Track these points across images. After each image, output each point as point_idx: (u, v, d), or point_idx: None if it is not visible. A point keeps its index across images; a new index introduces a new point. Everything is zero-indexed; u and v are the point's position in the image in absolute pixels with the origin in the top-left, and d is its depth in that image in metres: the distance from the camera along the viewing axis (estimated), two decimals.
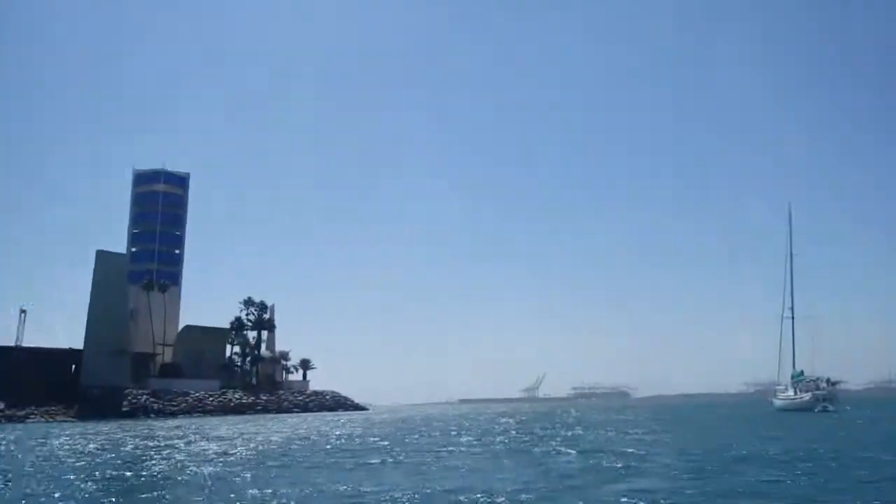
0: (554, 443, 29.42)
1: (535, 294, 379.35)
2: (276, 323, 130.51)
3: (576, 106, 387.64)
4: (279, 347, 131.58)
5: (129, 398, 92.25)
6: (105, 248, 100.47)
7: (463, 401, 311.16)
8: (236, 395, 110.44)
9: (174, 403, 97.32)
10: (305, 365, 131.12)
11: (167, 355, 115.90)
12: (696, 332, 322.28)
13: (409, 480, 17.90)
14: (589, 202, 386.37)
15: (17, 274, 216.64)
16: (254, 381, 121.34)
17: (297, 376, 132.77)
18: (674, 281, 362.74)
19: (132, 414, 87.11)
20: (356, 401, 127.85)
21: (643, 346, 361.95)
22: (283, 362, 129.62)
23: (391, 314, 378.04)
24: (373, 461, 23.11)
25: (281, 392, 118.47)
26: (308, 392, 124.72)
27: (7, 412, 78.77)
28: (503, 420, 59.03)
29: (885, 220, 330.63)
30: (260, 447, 29.71)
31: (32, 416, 79.12)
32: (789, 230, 71.06)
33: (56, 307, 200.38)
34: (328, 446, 30.08)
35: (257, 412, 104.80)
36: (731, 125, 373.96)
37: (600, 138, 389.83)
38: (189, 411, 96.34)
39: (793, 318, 69.42)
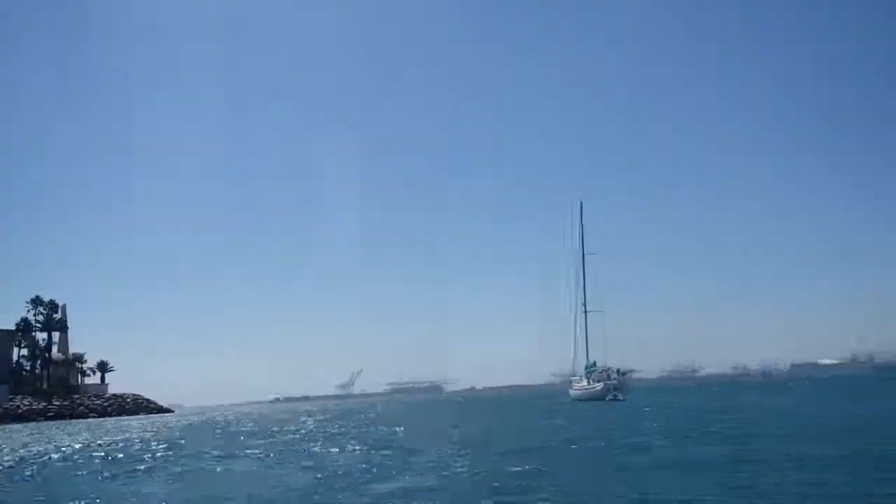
0: (336, 441, 29.27)
1: (351, 289, 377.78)
2: (71, 324, 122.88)
3: None
4: (75, 349, 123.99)
5: None
6: None
7: (277, 399, 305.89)
8: (25, 402, 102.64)
9: None
10: (103, 367, 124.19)
11: None
12: (513, 324, 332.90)
13: (168, 489, 17.14)
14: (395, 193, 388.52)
15: None
16: (45, 385, 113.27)
17: (95, 379, 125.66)
18: (489, 271, 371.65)
19: None
20: (161, 403, 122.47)
21: (458, 339, 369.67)
22: (79, 365, 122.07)
23: (202, 312, 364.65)
24: (139, 468, 21.97)
25: (76, 397, 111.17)
26: (107, 396, 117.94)
27: None
28: (302, 419, 58.34)
29: (676, 214, 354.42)
30: None
31: None
32: (581, 227, 74.34)
33: None
34: (102, 455, 28.26)
35: (49, 419, 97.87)
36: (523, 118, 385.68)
37: None
38: None
39: (585, 311, 72.85)
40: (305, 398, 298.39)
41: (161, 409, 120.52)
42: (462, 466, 18.15)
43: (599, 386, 65.50)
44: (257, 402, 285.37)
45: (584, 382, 68.98)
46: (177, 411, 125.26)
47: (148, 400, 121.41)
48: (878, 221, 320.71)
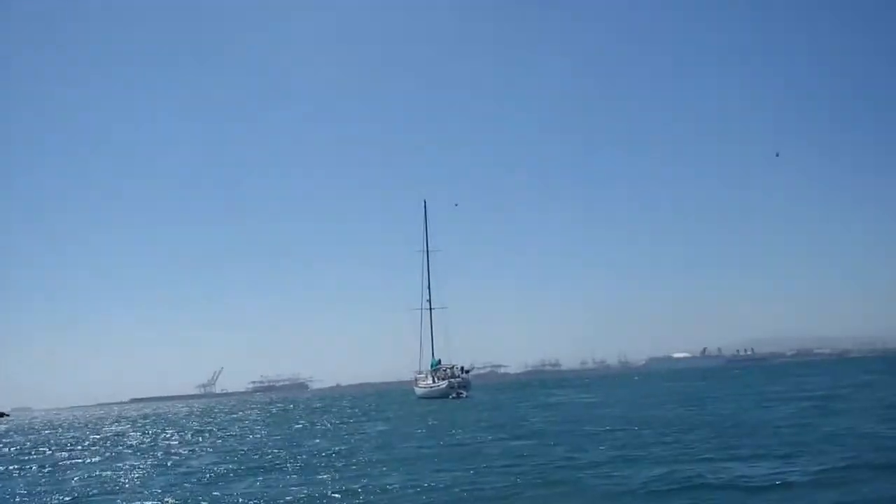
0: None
1: (212, 286, 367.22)
2: None
3: None
4: None
5: None
6: None
7: (135, 399, 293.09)
8: None
9: None
10: None
11: None
12: (378, 321, 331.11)
13: None
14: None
15: None
16: None
17: None
18: (348, 265, 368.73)
19: None
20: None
21: (321, 335, 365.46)
22: None
23: (49, 308, 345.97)
24: None
25: None
26: None
27: None
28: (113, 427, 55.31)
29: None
30: None
31: None
32: (425, 224, 73.74)
33: None
34: None
35: None
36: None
37: None
38: None
39: (431, 308, 72.43)
40: (165, 398, 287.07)
41: None
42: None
43: (444, 384, 65.18)
44: (114, 403, 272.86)
45: (429, 380, 68.54)
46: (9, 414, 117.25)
47: None
48: (733, 227, 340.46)
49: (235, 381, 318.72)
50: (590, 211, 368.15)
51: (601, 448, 18.56)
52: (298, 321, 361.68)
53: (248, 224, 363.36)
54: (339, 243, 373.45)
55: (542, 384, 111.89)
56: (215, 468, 19.45)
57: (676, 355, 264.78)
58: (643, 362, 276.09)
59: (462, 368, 67.11)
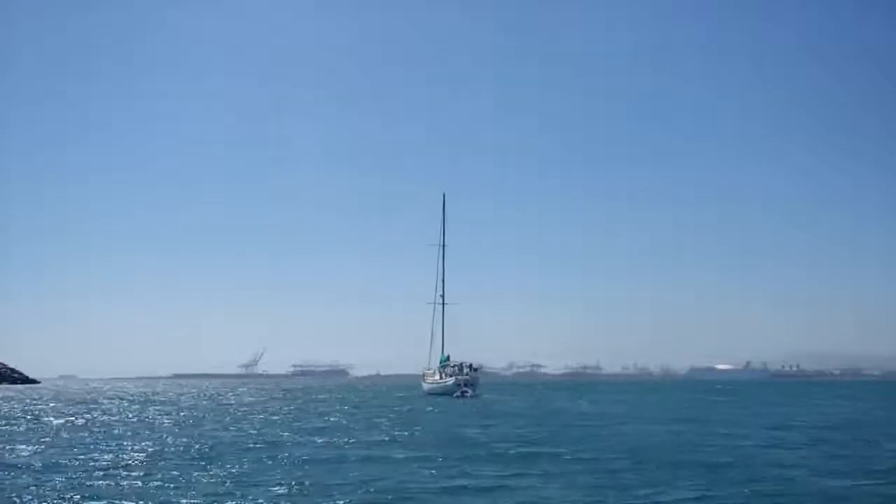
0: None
1: (258, 267, 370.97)
2: None
3: None
4: None
5: None
6: None
7: (177, 375, 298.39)
8: None
9: None
10: None
11: None
12: (416, 312, 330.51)
13: None
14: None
15: None
16: None
17: None
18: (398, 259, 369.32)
19: None
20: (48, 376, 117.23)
21: (366, 324, 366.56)
22: None
23: (93, 286, 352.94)
24: None
25: None
26: None
27: None
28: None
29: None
30: None
31: None
32: (443, 219, 73.21)
33: None
34: None
35: None
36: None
37: None
38: None
39: (444, 303, 71.56)
40: (205, 376, 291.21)
41: (27, 381, 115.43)
42: None
43: (450, 381, 64.31)
44: (156, 378, 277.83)
45: (437, 376, 67.73)
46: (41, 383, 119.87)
47: (12, 369, 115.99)
48: (780, 228, 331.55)
49: (277, 363, 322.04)
50: (635, 212, 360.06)
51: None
52: (344, 309, 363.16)
53: (302, 210, 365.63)
54: (379, 236, 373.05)
55: (572, 387, 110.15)
56: None
57: (719, 367, 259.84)
58: (685, 372, 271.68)
59: (471, 366, 66.05)
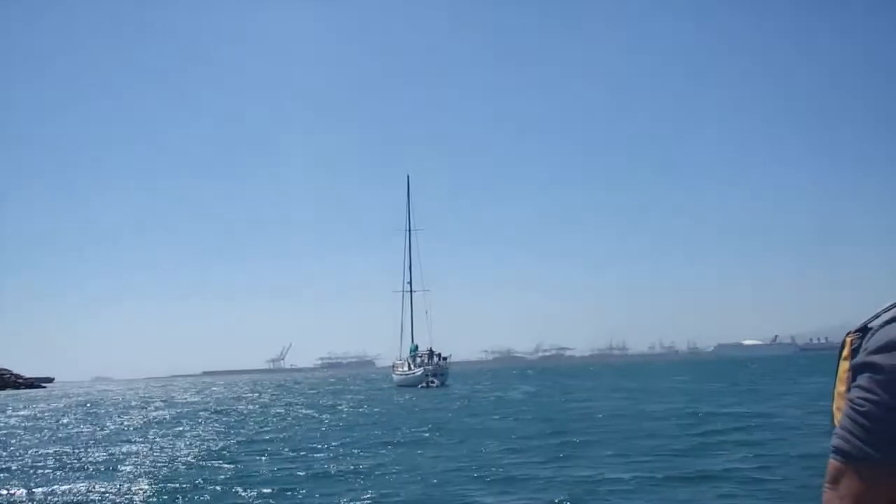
0: None
1: (279, 262, 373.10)
2: None
3: None
4: None
5: None
6: None
7: (207, 372, 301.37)
8: None
9: None
10: None
11: None
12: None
13: None
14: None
15: None
16: None
17: None
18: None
19: None
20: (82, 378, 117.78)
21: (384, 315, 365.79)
22: None
23: (116, 287, 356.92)
24: None
25: None
26: None
27: None
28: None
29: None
30: None
31: None
32: (408, 202, 70.18)
33: None
34: None
35: None
36: None
37: None
38: None
39: (412, 291, 69.61)
40: (236, 372, 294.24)
41: (31, 385, 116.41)
42: None
43: (419, 371, 62.61)
44: (186, 375, 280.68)
45: (405, 367, 66.01)
46: (46, 387, 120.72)
47: (16, 375, 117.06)
48: (800, 211, 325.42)
49: (304, 356, 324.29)
50: (668, 186, 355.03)
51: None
52: (368, 299, 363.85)
53: (324, 209, 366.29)
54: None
55: (579, 372, 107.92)
56: None
57: (746, 342, 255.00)
58: (712, 348, 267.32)
59: (440, 355, 64.26)
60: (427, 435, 21.66)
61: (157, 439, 23.37)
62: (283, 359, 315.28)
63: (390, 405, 39.12)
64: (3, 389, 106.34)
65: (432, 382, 60.69)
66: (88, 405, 53.48)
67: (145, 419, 34.66)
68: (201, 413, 37.72)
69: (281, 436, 22.86)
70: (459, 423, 25.50)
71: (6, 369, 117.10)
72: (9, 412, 45.65)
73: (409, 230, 68.24)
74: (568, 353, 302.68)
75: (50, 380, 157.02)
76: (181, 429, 27.41)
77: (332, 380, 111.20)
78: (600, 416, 25.54)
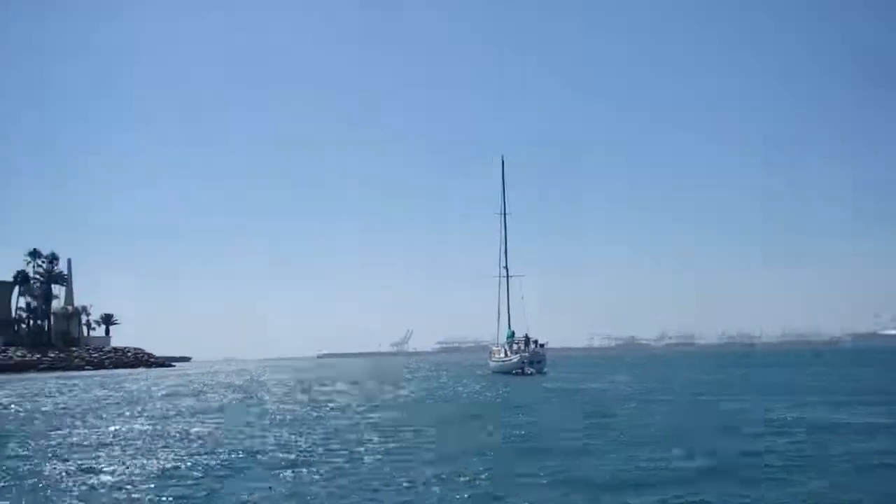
0: None
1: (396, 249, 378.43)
2: (79, 277, 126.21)
3: None
4: (83, 302, 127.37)
5: None
6: None
7: (324, 355, 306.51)
8: (18, 353, 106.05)
9: None
10: (108, 320, 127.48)
11: None
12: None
13: None
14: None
15: None
16: (48, 338, 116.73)
17: (101, 332, 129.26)
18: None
19: None
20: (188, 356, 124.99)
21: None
22: (85, 317, 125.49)
23: (234, 270, 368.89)
24: None
25: (74, 349, 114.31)
26: (107, 349, 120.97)
27: None
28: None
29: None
30: None
31: None
32: (502, 184, 68.87)
33: None
34: None
35: (42, 370, 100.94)
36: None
37: None
38: None
39: (508, 276, 69.01)
40: (354, 354, 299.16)
41: (163, 364, 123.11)
42: None
43: (515, 358, 62.40)
44: (303, 358, 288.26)
45: (502, 354, 65.88)
46: (175, 367, 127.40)
47: (149, 354, 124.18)
48: None
49: (424, 341, 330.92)
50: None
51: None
52: (483, 286, 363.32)
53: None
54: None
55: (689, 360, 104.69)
56: None
57: (886, 332, 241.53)
58: (849, 340, 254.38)
59: (536, 342, 63.83)
60: None
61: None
62: (406, 343, 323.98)
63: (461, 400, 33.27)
64: (136, 367, 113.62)
65: (528, 370, 60.36)
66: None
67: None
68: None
69: None
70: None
71: (140, 349, 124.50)
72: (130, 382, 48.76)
73: (504, 213, 67.61)
74: (697, 341, 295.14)
75: (187, 359, 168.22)
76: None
77: (426, 365, 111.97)
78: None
